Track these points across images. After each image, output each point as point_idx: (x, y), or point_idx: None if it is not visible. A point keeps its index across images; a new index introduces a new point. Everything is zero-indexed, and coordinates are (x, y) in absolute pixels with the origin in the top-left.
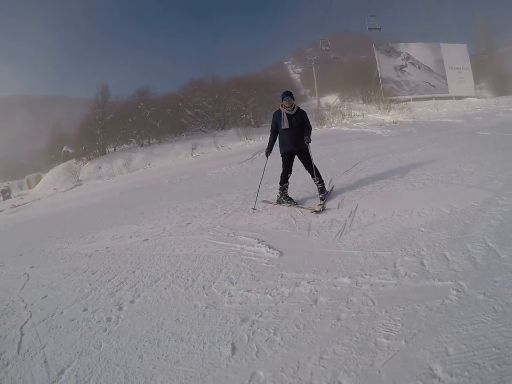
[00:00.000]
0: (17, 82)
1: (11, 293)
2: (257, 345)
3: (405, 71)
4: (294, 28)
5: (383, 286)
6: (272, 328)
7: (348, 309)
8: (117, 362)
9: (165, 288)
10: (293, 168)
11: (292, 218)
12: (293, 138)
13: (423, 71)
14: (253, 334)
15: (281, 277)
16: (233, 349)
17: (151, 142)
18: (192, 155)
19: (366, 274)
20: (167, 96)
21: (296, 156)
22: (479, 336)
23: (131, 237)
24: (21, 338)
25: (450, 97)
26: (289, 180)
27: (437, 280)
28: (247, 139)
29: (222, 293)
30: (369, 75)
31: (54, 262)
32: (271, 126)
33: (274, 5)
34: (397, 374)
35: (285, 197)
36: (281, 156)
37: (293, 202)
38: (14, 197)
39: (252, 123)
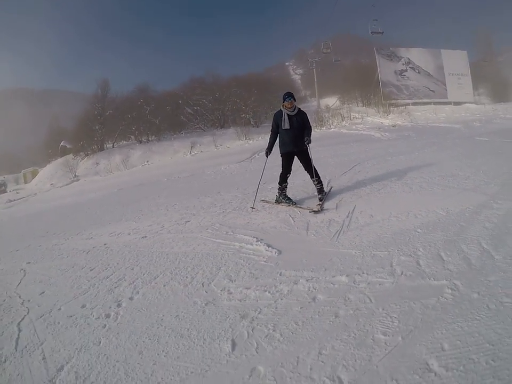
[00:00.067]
0: (13, 74)
1: (8, 289)
2: (257, 341)
3: (405, 75)
4: (297, 29)
5: (380, 284)
6: (272, 324)
7: (346, 306)
8: (117, 359)
9: (164, 285)
10: (292, 168)
11: (291, 218)
12: (293, 138)
13: (423, 76)
14: (252, 330)
15: (280, 275)
16: (233, 345)
17: (149, 139)
18: (190, 153)
19: (363, 273)
20: (167, 93)
21: (295, 156)
22: (473, 333)
23: (129, 233)
24: (19, 334)
25: (449, 103)
26: (288, 180)
27: (432, 279)
28: (246, 139)
29: (222, 290)
30: (370, 78)
31: (51, 258)
32: (272, 126)
33: (276, 5)
34: (394, 368)
35: (283, 197)
36: (281, 156)
37: (291, 202)
38: (10, 191)
39: (252, 123)
